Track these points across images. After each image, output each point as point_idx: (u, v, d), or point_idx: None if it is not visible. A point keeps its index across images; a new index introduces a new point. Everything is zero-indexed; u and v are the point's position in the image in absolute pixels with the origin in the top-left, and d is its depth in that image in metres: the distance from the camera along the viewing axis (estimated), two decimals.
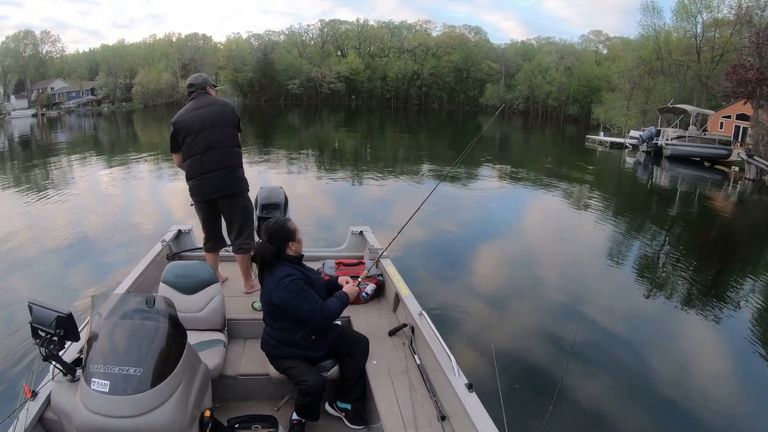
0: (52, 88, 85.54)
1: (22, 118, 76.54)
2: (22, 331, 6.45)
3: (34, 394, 3.02)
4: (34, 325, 2.88)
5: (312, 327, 3.32)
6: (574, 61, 59.99)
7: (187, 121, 4.49)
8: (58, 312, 2.82)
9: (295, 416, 3.42)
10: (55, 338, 2.83)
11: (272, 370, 3.55)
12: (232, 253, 5.24)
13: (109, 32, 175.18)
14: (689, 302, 7.69)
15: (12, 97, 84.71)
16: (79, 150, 32.67)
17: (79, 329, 2.95)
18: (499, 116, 50.60)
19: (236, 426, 3.22)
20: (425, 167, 20.05)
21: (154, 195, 16.40)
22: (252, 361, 3.98)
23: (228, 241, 5.07)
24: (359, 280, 3.87)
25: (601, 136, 30.78)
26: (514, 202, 14.37)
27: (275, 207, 5.84)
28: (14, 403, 3.21)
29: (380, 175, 18.18)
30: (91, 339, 2.72)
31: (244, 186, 4.83)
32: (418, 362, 3.61)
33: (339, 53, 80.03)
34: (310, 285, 3.32)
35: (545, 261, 9.31)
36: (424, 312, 3.87)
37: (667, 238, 11.58)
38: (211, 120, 4.58)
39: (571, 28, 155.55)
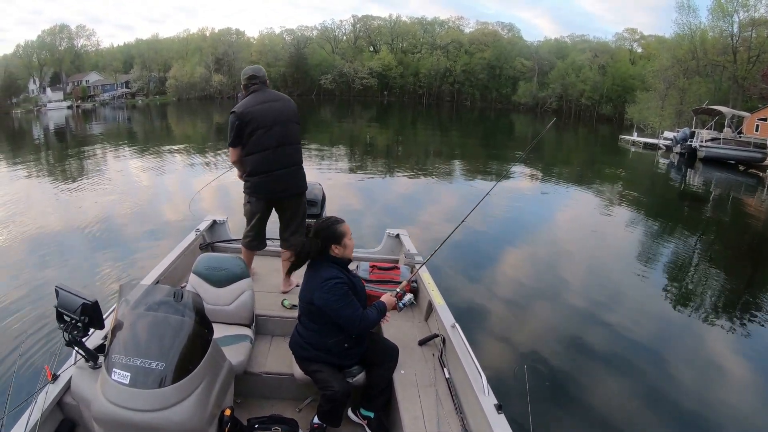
0: (87, 81, 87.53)
1: (57, 109, 78.54)
2: (49, 314, 6.58)
3: (55, 377, 3.09)
4: (59, 309, 2.92)
5: (347, 334, 3.27)
6: (608, 60, 59.11)
7: (255, 114, 4.34)
8: (84, 299, 2.85)
9: (316, 420, 3.41)
10: (79, 324, 2.85)
11: (297, 371, 3.52)
12: (278, 248, 5.21)
13: (141, 26, 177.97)
14: (720, 311, 7.45)
15: (48, 90, 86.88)
16: (113, 141, 33.58)
17: (105, 317, 2.98)
18: (531, 114, 50.47)
19: (256, 426, 3.25)
20: (458, 168, 19.95)
21: (186, 186, 16.38)
22: (277, 359, 3.99)
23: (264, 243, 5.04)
24: (397, 290, 3.69)
25: (635, 137, 30.44)
26: (546, 204, 14.29)
27: (312, 204, 5.77)
28: (34, 384, 3.33)
29: (413, 174, 18.21)
30: (116, 328, 2.74)
31: (306, 184, 4.80)
32: (447, 376, 3.52)
33: (371, 49, 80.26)
34: (353, 291, 3.26)
35: (581, 271, 8.97)
36: (457, 324, 3.78)
37: (698, 243, 11.33)
38: (281, 115, 4.47)
39: (603, 25, 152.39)
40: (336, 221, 3.34)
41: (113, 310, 2.92)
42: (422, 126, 43.10)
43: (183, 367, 2.56)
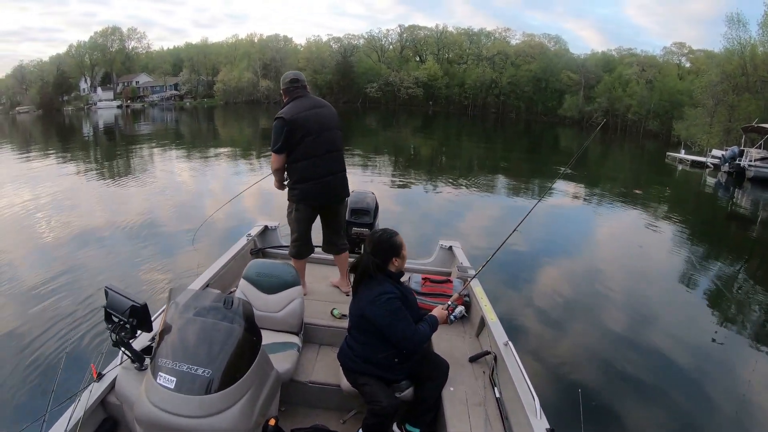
0: (137, 82, 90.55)
1: (107, 108, 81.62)
2: (96, 312, 6.84)
3: (100, 376, 3.13)
4: (108, 310, 2.98)
5: (397, 349, 3.23)
6: (656, 74, 58.09)
7: (304, 120, 4.33)
8: (133, 301, 2.90)
9: None
10: (127, 326, 2.90)
11: (344, 382, 3.49)
12: (324, 256, 5.28)
13: (191, 31, 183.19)
14: None
15: (99, 89, 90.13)
16: (160, 141, 34.85)
17: (153, 319, 3.02)
18: (576, 128, 49.91)
19: None
20: (502, 180, 20.05)
21: (229, 188, 16.38)
22: (324, 369, 3.96)
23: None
24: (449, 303, 3.70)
25: (682, 154, 29.92)
26: (592, 220, 14.18)
27: (365, 212, 5.80)
28: (79, 381, 3.37)
29: (456, 184, 18.23)
30: (164, 332, 2.75)
31: (349, 190, 4.86)
32: (497, 395, 3.42)
33: (417, 59, 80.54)
34: (406, 305, 3.22)
35: (635, 293, 8.65)
36: (510, 342, 3.68)
37: (744, 267, 10.90)
38: (328, 121, 4.49)
39: (650, 38, 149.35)
40: (393, 233, 3.33)
41: (162, 312, 3.02)
42: (467, 137, 43.10)
43: (230, 375, 2.58)
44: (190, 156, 26.34)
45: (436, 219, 12.78)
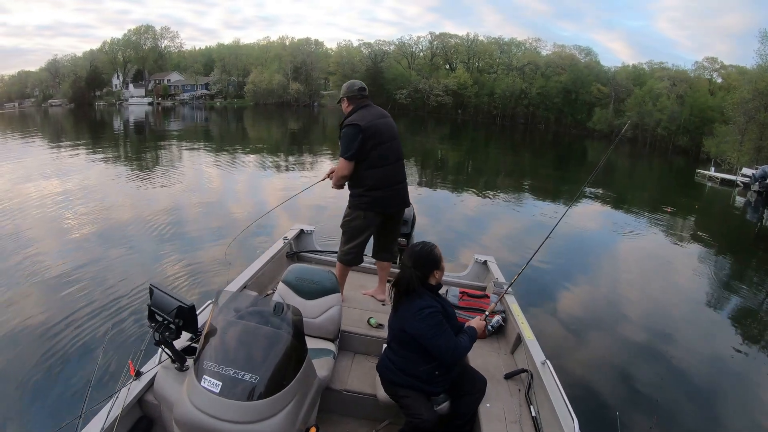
0: (168, 80, 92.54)
1: (138, 105, 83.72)
2: (133, 309, 7.00)
3: (138, 374, 3.10)
4: (152, 308, 2.95)
5: (438, 362, 3.20)
6: (687, 89, 57.25)
7: (377, 129, 4.36)
8: (180, 301, 2.86)
9: None
10: (172, 326, 2.86)
11: (381, 393, 3.47)
12: (364, 263, 5.13)
13: (222, 32, 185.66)
14: None
15: (131, 85, 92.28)
16: (190, 138, 35.89)
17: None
18: (605, 142, 49.48)
19: None
20: (529, 192, 20.08)
21: (261, 188, 16.91)
22: (359, 377, 3.93)
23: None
24: (486, 314, 3.69)
25: (712, 172, 29.53)
26: (621, 235, 13.96)
27: (404, 223, 5.61)
28: (115, 378, 3.58)
29: (486, 195, 18.36)
30: (209, 334, 2.75)
31: None
32: (534, 414, 3.38)
33: (447, 66, 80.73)
34: (446, 318, 3.20)
35: (674, 313, 8.50)
36: (548, 362, 3.65)
37: None
38: (395, 130, 4.56)
39: (681, 52, 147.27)
40: (433, 246, 3.31)
41: (208, 316, 2.97)
42: (495, 147, 43.09)
43: (276, 382, 2.57)
44: (220, 154, 27.03)
45: (462, 230, 12.76)
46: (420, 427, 3.08)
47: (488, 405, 3.46)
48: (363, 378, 3.90)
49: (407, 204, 4.81)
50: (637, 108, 56.22)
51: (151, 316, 2.95)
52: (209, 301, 3.81)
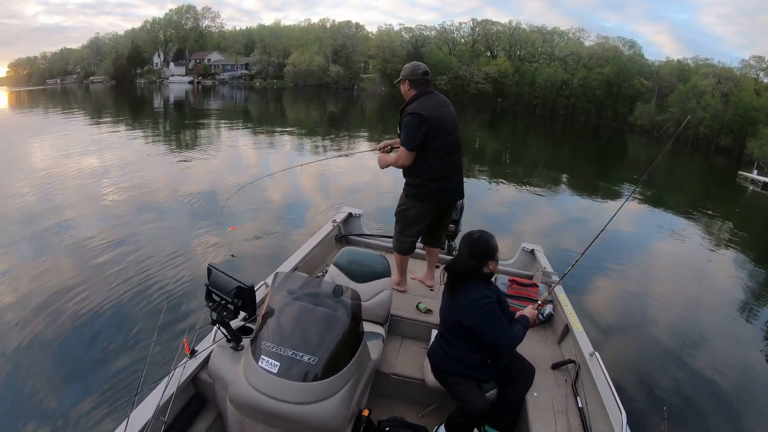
0: (208, 60, 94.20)
1: (179, 83, 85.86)
2: (185, 287, 7.26)
3: (193, 353, 3.14)
4: (210, 288, 2.97)
5: (491, 351, 3.24)
6: (732, 88, 55.19)
7: (441, 119, 4.27)
8: (239, 282, 2.86)
9: (442, 430, 3.36)
10: (230, 306, 2.87)
11: (430, 378, 3.52)
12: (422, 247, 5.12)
13: (262, 13, 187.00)
14: None
15: (171, 64, 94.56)
16: (230, 118, 36.88)
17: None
18: (646, 138, 48.62)
19: (387, 429, 3.24)
20: (566, 185, 19.99)
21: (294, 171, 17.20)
22: (407, 362, 3.96)
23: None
24: (538, 303, 3.73)
25: (754, 174, 29.17)
26: (663, 234, 13.79)
27: (454, 209, 5.51)
28: (169, 356, 3.58)
29: (523, 184, 18.63)
30: (267, 315, 2.79)
31: None
32: (580, 405, 3.36)
33: (488, 54, 79.95)
34: (500, 307, 3.20)
35: (724, 313, 8.56)
36: (597, 353, 3.63)
37: None
38: (456, 121, 4.46)
39: (727, 48, 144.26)
40: (489, 235, 3.29)
41: (265, 296, 3.05)
42: (534, 137, 42.88)
43: (334, 364, 2.61)
44: (258, 133, 27.96)
45: (500, 217, 12.81)
46: (471, 414, 3.14)
47: (535, 394, 3.49)
48: (411, 362, 3.96)
49: (462, 196, 4.73)
50: (680, 105, 54.79)
51: (209, 295, 2.99)
52: (261, 282, 4.02)
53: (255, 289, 2.94)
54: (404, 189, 4.62)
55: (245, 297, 2.85)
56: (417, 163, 4.35)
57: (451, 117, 4.40)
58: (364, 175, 16.68)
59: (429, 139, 4.23)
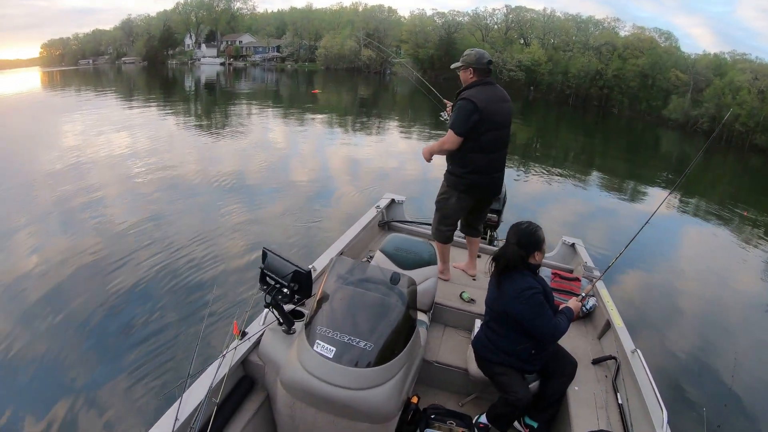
0: (240, 42, 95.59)
1: (210, 65, 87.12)
2: (236, 269, 7.49)
3: (243, 334, 3.14)
4: (264, 271, 2.96)
5: (535, 341, 3.26)
6: None
7: (494, 113, 4.22)
8: (296, 266, 2.86)
9: (483, 419, 3.41)
10: (285, 290, 2.86)
11: (473, 367, 3.55)
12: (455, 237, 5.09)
13: None
14: None
15: (203, 46, 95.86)
16: (261, 100, 37.82)
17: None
18: (680, 132, 47.87)
19: (432, 417, 3.27)
20: (599, 179, 19.77)
21: (334, 153, 17.65)
22: (450, 351, 3.99)
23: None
24: (582, 296, 3.71)
25: None
26: (700, 232, 13.75)
27: (496, 199, 5.51)
28: (218, 337, 3.71)
29: (553, 175, 18.56)
30: (322, 299, 2.80)
31: None
32: (620, 401, 3.36)
33: (522, 41, 78.99)
34: (546, 298, 3.23)
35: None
36: (638, 351, 3.61)
37: None
38: (509, 119, 4.44)
39: (765, 44, 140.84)
40: (537, 227, 3.31)
41: (321, 281, 2.99)
42: (565, 128, 42.81)
43: (389, 351, 2.62)
44: (290, 116, 28.52)
45: (534, 210, 12.68)
46: (514, 405, 3.17)
47: (576, 388, 3.49)
48: (454, 351, 3.98)
49: (498, 192, 4.71)
50: (716, 100, 53.73)
51: (263, 278, 2.99)
52: (309, 266, 4.00)
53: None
54: (445, 177, 4.65)
55: (302, 281, 2.86)
56: (462, 152, 4.32)
57: (507, 114, 4.38)
58: (392, 161, 17.22)
59: (478, 130, 4.19)
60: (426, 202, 9.11)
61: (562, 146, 29.87)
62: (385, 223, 6.28)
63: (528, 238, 3.23)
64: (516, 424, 3.45)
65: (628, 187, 18.65)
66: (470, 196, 4.57)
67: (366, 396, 2.51)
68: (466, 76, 4.35)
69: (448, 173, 4.58)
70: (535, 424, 3.40)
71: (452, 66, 4.52)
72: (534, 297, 3.12)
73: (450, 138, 4.25)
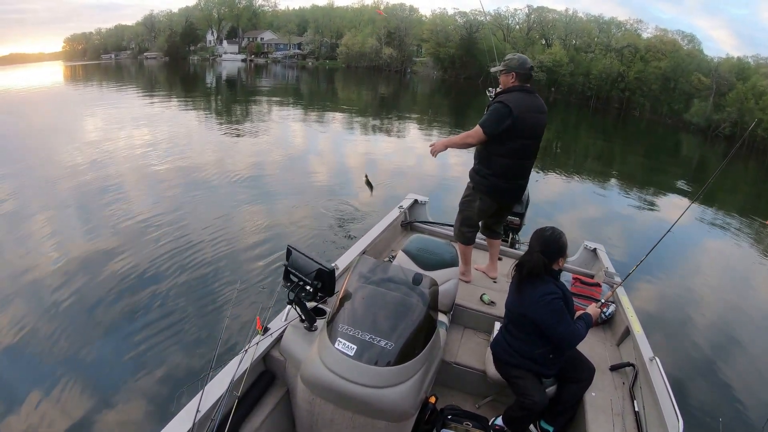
0: (261, 38, 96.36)
1: (231, 61, 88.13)
2: (261, 266, 7.52)
3: (265, 330, 3.20)
4: (288, 268, 3.01)
5: (553, 346, 3.27)
6: None
7: (528, 122, 4.21)
8: (320, 264, 2.90)
9: (499, 422, 3.43)
10: (308, 287, 2.92)
11: (491, 370, 3.56)
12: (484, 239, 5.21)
13: None
14: None
15: (224, 42, 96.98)
16: (283, 96, 38.17)
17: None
18: (701, 137, 47.29)
19: (449, 417, 3.25)
20: (618, 183, 19.52)
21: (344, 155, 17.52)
22: (469, 352, 4.02)
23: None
24: (601, 302, 3.78)
25: None
26: (720, 242, 13.47)
27: (519, 203, 5.76)
28: (240, 332, 3.74)
29: (572, 178, 18.59)
30: (345, 298, 2.83)
31: None
32: (637, 409, 3.37)
33: (543, 42, 78.80)
34: (566, 303, 3.25)
35: None
36: (657, 358, 3.59)
37: None
38: (542, 131, 4.43)
39: None
40: (561, 233, 3.33)
41: (344, 279, 3.06)
42: (585, 130, 42.47)
43: (409, 350, 2.64)
44: (310, 113, 28.89)
45: (554, 213, 12.65)
46: (530, 408, 3.19)
47: (593, 394, 3.49)
48: (472, 353, 4.00)
49: (519, 200, 4.76)
50: (738, 104, 52.89)
51: (287, 275, 3.04)
52: (332, 264, 3.96)
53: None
54: (470, 176, 4.66)
55: (325, 279, 2.90)
56: (489, 154, 4.35)
57: (541, 125, 4.37)
58: (410, 159, 17.42)
59: (509, 136, 4.19)
60: (447, 202, 9.30)
61: (582, 148, 29.89)
62: (408, 224, 6.31)
63: (552, 246, 3.27)
64: (531, 427, 3.46)
65: (648, 193, 18.55)
66: (493, 200, 4.57)
67: (385, 394, 2.55)
68: (507, 80, 4.33)
69: (474, 172, 4.61)
70: (550, 429, 3.44)
71: (492, 69, 4.47)
72: (554, 302, 3.16)
73: (476, 134, 4.27)
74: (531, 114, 4.22)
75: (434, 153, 4.53)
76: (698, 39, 72.60)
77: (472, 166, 4.70)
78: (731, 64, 64.15)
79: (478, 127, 4.25)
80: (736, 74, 60.19)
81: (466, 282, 4.94)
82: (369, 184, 10.83)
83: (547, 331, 3.19)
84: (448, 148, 4.56)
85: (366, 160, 16.33)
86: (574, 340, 3.23)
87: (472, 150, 4.70)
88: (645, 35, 74.87)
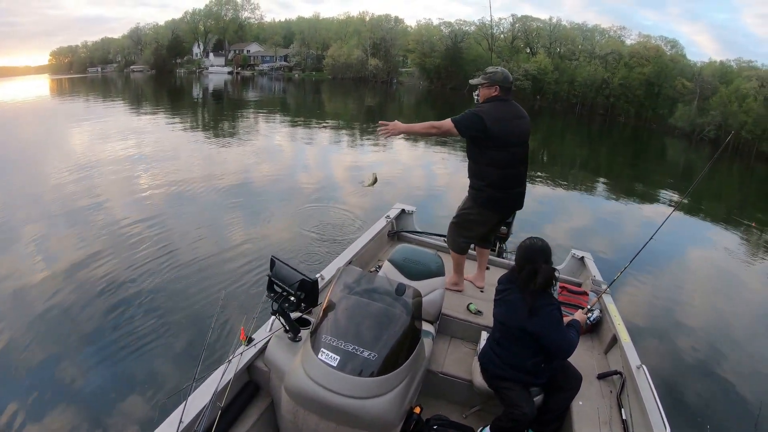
0: (248, 51, 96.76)
1: (218, 73, 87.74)
2: (245, 276, 7.50)
3: (249, 340, 3.16)
4: (272, 279, 3.02)
5: (545, 355, 3.23)
6: None
7: (508, 131, 4.18)
8: (303, 275, 2.90)
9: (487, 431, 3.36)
10: (292, 298, 2.93)
11: (478, 380, 3.52)
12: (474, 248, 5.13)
13: (299, 5, 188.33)
14: None
15: (211, 55, 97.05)
16: (269, 108, 38.19)
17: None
18: (686, 141, 47.63)
19: (435, 427, 3.25)
20: (602, 187, 19.72)
21: (336, 162, 17.52)
22: (455, 362, 3.98)
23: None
24: (588, 307, 3.83)
25: None
26: (707, 245, 13.41)
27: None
28: (224, 342, 3.74)
29: (558, 185, 18.48)
30: (328, 309, 2.82)
31: None
32: (624, 417, 3.35)
33: (528, 50, 79.53)
34: (559, 313, 3.22)
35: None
36: (644, 366, 3.58)
37: None
38: (527, 135, 4.40)
39: None
40: (542, 240, 3.31)
41: (328, 290, 3.02)
42: (571, 137, 42.67)
43: (392, 361, 2.64)
44: (297, 125, 28.83)
45: (540, 221, 12.26)
46: (520, 420, 3.13)
47: (581, 403, 3.46)
48: (459, 363, 3.96)
49: (520, 207, 4.68)
50: (722, 107, 53.47)
51: (270, 286, 3.04)
52: (317, 275, 4.02)
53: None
54: (468, 192, 4.60)
55: (308, 290, 2.90)
56: (478, 165, 4.36)
57: (522, 131, 4.32)
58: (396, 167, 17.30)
59: (488, 145, 4.19)
60: (434, 211, 9.25)
61: (568, 155, 29.87)
62: (395, 233, 6.25)
63: (550, 254, 3.24)
64: None
65: (634, 198, 18.47)
66: (492, 212, 4.53)
67: (369, 405, 2.54)
68: (489, 93, 4.26)
69: (471, 187, 4.55)
70: None
71: (472, 81, 4.39)
72: (552, 313, 3.14)
73: (443, 125, 4.23)
74: (509, 122, 4.21)
75: (387, 134, 4.35)
76: (681, 44, 73.57)
77: (459, 175, 4.63)
78: (714, 68, 64.94)
79: (449, 120, 4.20)
80: (719, 78, 60.97)
81: (459, 292, 4.89)
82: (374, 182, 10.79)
83: (545, 341, 3.15)
84: (402, 134, 4.41)
85: (352, 170, 16.30)
86: (571, 349, 3.22)
87: (463, 160, 4.70)
88: (628, 42, 75.89)
